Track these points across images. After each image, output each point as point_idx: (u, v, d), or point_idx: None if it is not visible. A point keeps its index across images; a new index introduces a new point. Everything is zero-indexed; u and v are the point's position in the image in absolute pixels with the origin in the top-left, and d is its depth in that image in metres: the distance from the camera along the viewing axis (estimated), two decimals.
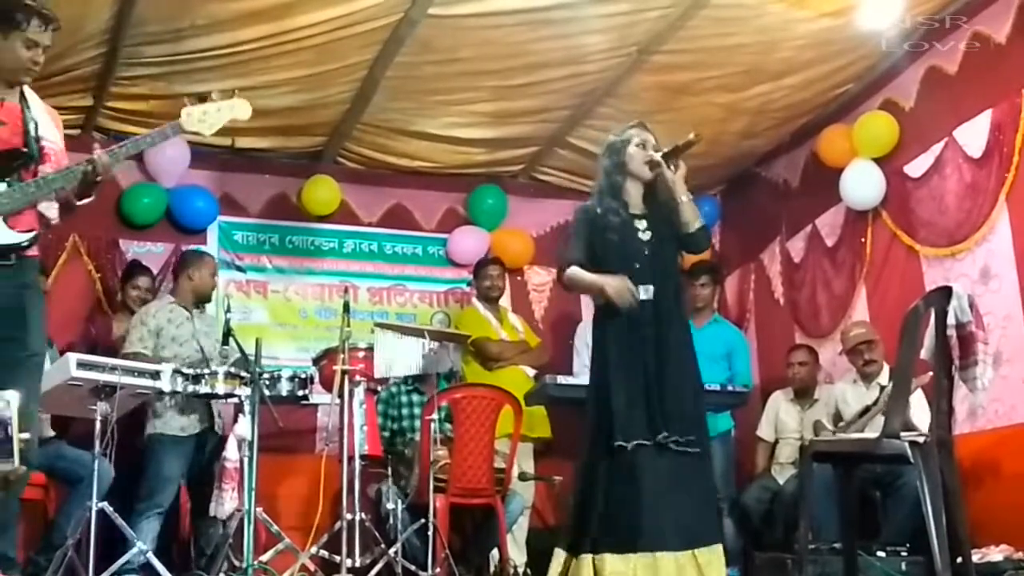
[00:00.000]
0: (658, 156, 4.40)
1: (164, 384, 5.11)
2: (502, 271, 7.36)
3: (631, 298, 4.22)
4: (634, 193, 4.47)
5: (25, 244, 3.65)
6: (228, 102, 3.88)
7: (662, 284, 4.30)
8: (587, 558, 4.08)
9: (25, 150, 3.65)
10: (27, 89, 3.80)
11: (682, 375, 4.27)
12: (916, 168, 6.44)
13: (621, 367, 4.21)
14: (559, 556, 4.25)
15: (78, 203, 3.78)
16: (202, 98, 3.83)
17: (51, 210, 3.71)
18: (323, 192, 7.71)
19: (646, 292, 4.26)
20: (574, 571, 4.12)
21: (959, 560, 4.34)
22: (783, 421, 6.80)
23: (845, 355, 6.39)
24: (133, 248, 7.32)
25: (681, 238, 4.45)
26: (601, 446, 4.19)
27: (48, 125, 3.79)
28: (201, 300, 6.03)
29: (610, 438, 4.13)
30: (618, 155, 4.45)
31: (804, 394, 6.80)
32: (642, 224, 4.40)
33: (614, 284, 4.24)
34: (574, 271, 4.38)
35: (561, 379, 5.89)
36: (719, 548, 4.14)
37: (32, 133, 3.68)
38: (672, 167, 4.40)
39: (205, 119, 3.82)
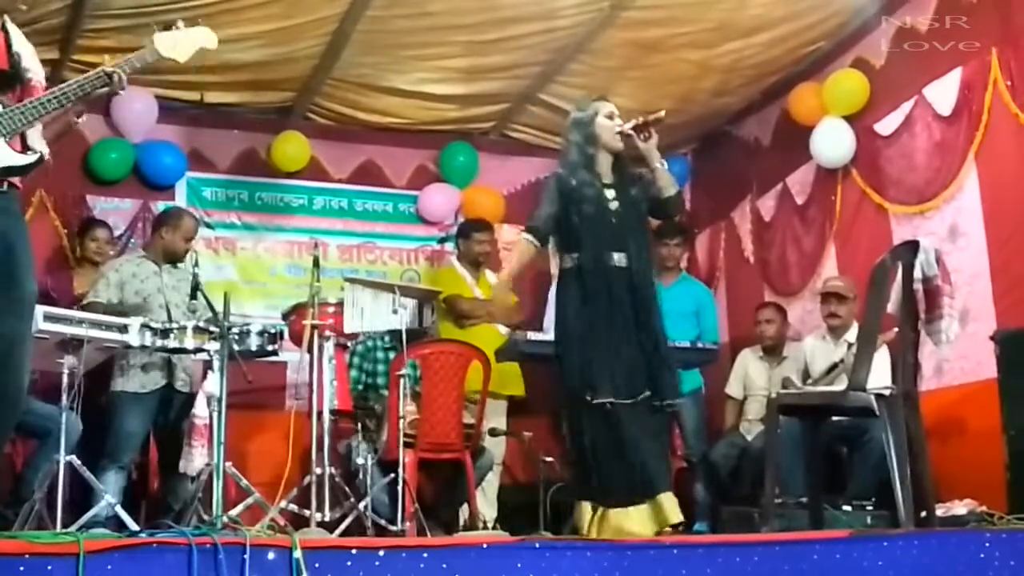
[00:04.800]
0: (629, 127, 4.54)
1: (132, 338, 5.08)
2: (492, 236, 7.35)
3: (498, 307, 4.69)
4: (604, 164, 4.62)
5: (34, 164, 3.53)
6: (195, 29, 3.81)
7: (634, 251, 4.48)
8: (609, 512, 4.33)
9: (10, 71, 3.56)
10: (8, 22, 3.71)
11: (657, 336, 4.46)
12: (886, 126, 6.46)
13: (600, 328, 4.36)
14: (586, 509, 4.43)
15: (76, 122, 3.69)
16: (167, 26, 3.77)
17: (42, 143, 3.60)
18: (293, 148, 7.66)
19: (621, 259, 4.42)
20: (606, 523, 4.33)
21: (923, 513, 4.39)
22: (752, 378, 6.84)
23: (819, 303, 6.38)
24: (100, 204, 7.27)
25: (656, 203, 4.66)
26: (582, 403, 4.35)
27: (32, 58, 3.68)
28: (170, 260, 5.98)
29: (590, 395, 4.30)
30: (588, 127, 4.58)
31: (773, 351, 6.85)
32: (611, 194, 4.56)
33: (497, 292, 4.71)
34: (523, 241, 4.57)
35: (532, 335, 5.91)
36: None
37: (16, 60, 3.60)
38: (643, 137, 4.56)
39: (177, 46, 3.76)
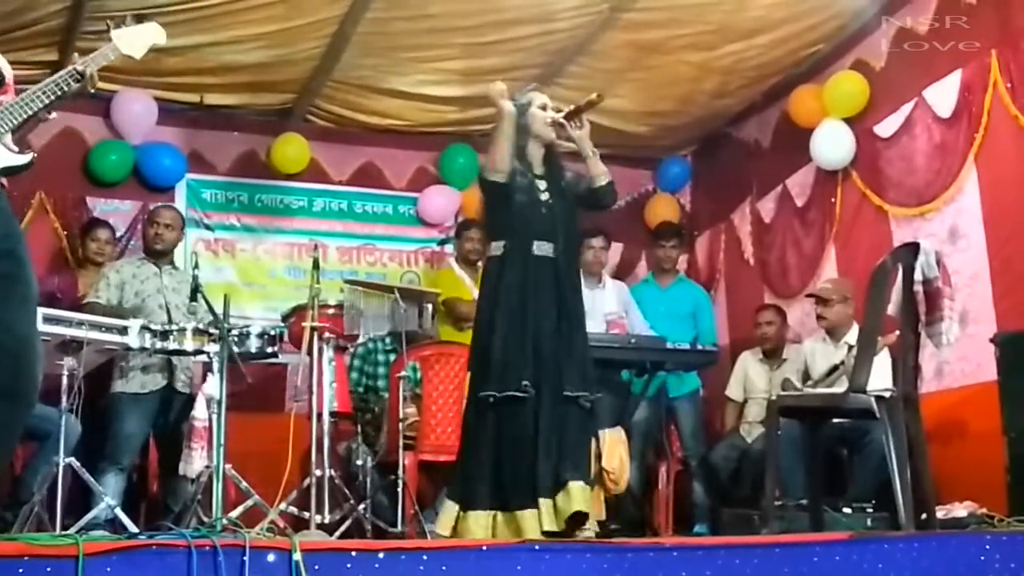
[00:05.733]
0: (560, 116, 4.44)
1: (132, 340, 5.08)
2: (483, 234, 7.34)
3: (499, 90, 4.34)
4: (535, 155, 4.48)
5: (30, 163, 3.50)
6: (145, 26, 3.80)
7: (561, 243, 4.38)
8: (484, 515, 4.14)
9: None
10: None
11: (578, 330, 4.38)
12: (886, 128, 6.47)
13: (520, 319, 4.26)
14: (450, 509, 4.25)
15: (47, 118, 3.66)
16: (118, 24, 3.77)
17: (11, 142, 3.58)
18: (292, 150, 7.67)
19: (547, 249, 4.33)
20: (466, 526, 4.15)
21: (924, 516, 4.39)
22: (752, 381, 6.84)
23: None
24: (100, 206, 7.27)
25: (589, 192, 4.53)
26: (490, 397, 4.22)
27: None
28: (164, 253, 6.00)
29: (502, 389, 4.18)
30: (520, 118, 4.45)
31: (773, 354, 6.84)
32: (542, 184, 4.45)
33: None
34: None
35: None
36: (582, 485, 4.17)
37: None
38: (575, 125, 4.45)
39: (133, 43, 3.76)
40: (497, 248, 4.40)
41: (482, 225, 4.61)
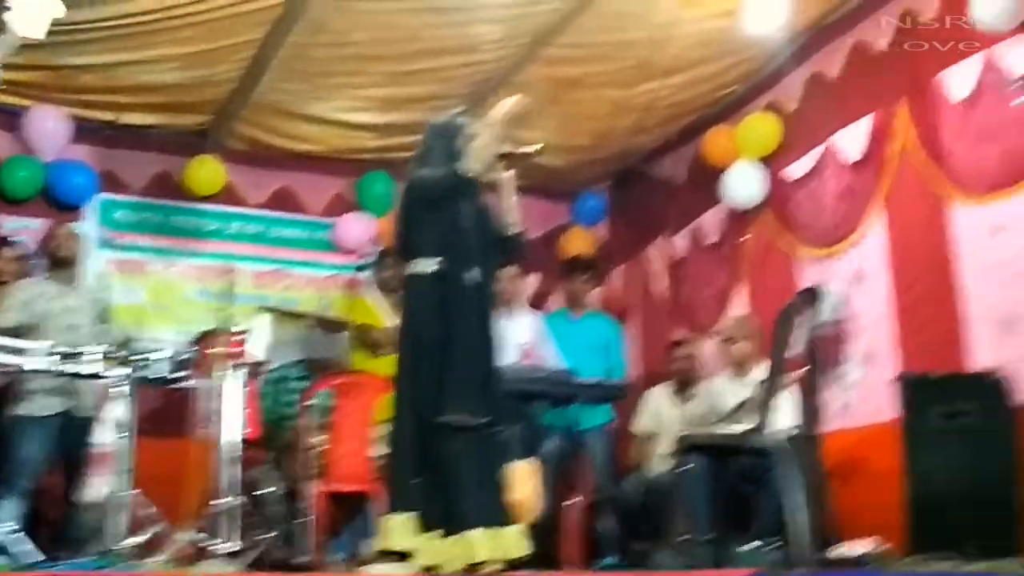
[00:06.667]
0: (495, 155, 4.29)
1: (34, 362, 4.98)
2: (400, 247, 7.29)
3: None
4: None
5: None
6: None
7: (485, 270, 4.25)
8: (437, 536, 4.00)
9: None
10: None
11: (497, 361, 4.26)
12: (797, 170, 6.61)
13: (454, 340, 4.10)
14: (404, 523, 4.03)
15: None
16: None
17: None
18: (207, 172, 7.59)
19: (475, 274, 4.19)
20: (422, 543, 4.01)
21: (823, 552, 4.47)
22: (662, 415, 6.88)
23: None
24: (7, 224, 7.10)
25: (498, 238, 4.39)
26: (418, 420, 4.09)
27: None
28: (62, 266, 5.92)
29: (433, 413, 4.04)
30: (456, 140, 4.28)
31: (683, 388, 6.91)
32: (470, 210, 4.31)
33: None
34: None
35: None
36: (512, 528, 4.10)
37: None
38: (503, 167, 4.32)
39: (33, 22, 3.67)
40: (428, 265, 4.20)
41: (402, 237, 4.35)
